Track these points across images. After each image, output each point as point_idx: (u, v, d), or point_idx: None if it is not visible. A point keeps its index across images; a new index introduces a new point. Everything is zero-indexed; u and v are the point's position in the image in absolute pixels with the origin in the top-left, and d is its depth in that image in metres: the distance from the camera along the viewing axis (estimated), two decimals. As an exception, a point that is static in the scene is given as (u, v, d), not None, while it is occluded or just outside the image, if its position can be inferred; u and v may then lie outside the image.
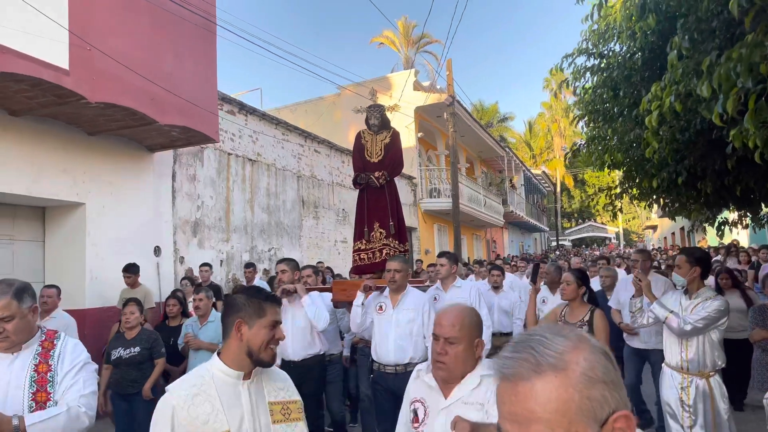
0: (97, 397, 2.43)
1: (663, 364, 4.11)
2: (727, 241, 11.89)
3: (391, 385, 4.36)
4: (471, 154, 25.67)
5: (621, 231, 47.21)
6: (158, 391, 5.06)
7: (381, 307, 4.69)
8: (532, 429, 0.91)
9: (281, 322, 1.99)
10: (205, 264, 8.19)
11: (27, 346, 2.35)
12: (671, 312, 3.83)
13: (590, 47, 4.34)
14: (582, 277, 4.24)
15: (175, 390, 1.89)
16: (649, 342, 5.13)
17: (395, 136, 6.04)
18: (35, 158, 6.55)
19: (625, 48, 3.90)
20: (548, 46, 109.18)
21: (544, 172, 43.20)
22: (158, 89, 6.82)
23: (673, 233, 28.21)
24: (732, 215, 5.38)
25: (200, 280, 7.82)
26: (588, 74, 4.44)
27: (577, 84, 4.65)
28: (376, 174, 5.78)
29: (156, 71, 6.84)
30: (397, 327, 4.46)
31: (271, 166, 11.27)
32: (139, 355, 5.10)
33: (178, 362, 5.76)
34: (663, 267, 9.70)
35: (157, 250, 8.22)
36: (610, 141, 4.34)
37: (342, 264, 12.27)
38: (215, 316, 5.50)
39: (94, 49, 6.03)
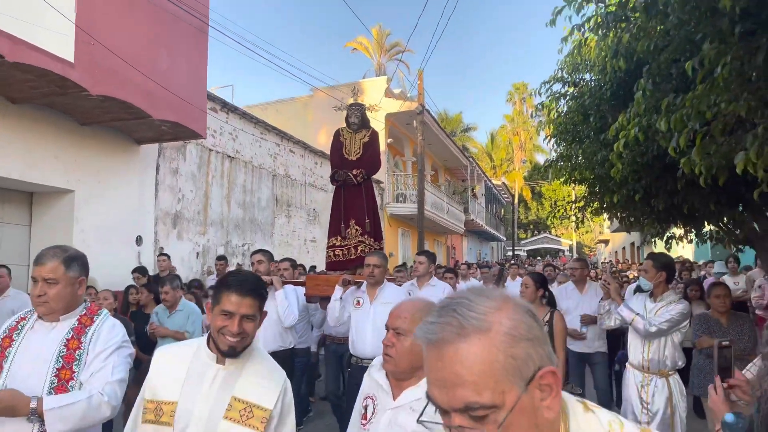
0: (125, 385, 2.29)
1: (627, 364, 4.30)
2: (674, 255, 12.80)
3: None
4: (436, 162, 26.34)
5: (575, 243, 48.68)
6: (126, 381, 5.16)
7: (359, 301, 4.74)
8: (458, 393, 0.89)
9: (234, 313, 1.87)
10: (162, 254, 8.31)
11: (66, 318, 2.28)
12: (637, 314, 4.02)
13: (565, 76, 4.94)
14: (540, 281, 4.54)
15: (169, 347, 2.04)
16: (591, 346, 5.35)
17: (374, 135, 6.13)
18: (30, 145, 6.76)
19: (596, 79, 4.47)
20: (513, 60, 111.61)
21: (504, 183, 44.27)
22: (153, 85, 7.11)
23: (624, 248, 29.47)
24: (679, 231, 6.04)
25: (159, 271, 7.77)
26: (562, 99, 5.02)
27: (551, 107, 5.23)
28: (354, 172, 5.85)
29: (152, 67, 7.13)
30: (374, 321, 4.48)
31: (249, 164, 11.58)
32: None
33: (152, 350, 5.65)
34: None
35: (139, 240, 8.46)
36: (579, 159, 4.91)
37: (311, 262, 12.64)
38: (184, 305, 5.53)
39: (97, 43, 6.31)
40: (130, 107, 6.92)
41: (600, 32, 3.84)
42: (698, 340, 4.48)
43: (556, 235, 50.70)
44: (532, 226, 55.63)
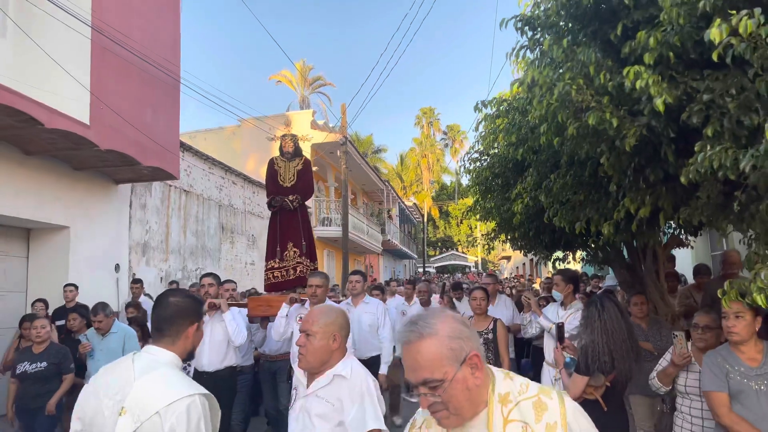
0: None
1: (544, 362, 5.01)
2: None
3: None
4: (355, 186, 28.21)
5: (479, 260, 51.54)
6: (62, 407, 5.21)
7: (302, 318, 5.15)
8: (419, 373, 1.43)
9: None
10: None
11: None
12: (554, 324, 4.60)
13: (480, 148, 6.96)
14: (487, 297, 6.22)
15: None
16: None
17: (307, 163, 6.41)
18: (38, 189, 7.90)
19: (502, 154, 6.45)
20: (420, 82, 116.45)
21: (414, 203, 46.61)
22: (142, 137, 8.47)
23: (524, 263, 32.55)
24: (560, 254, 8.18)
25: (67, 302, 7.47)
26: (479, 162, 7.02)
27: (471, 166, 7.22)
28: (291, 197, 6.12)
29: (141, 122, 8.48)
30: None
31: (200, 197, 12.91)
32: (46, 370, 5.05)
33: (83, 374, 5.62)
34: (511, 291, 12.67)
35: (117, 267, 9.65)
36: (490, 205, 6.89)
37: (250, 284, 13.99)
38: (118, 326, 5.67)
39: (105, 106, 7.64)
40: (126, 157, 8.23)
41: (505, 123, 5.85)
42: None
43: (463, 252, 53.49)
44: (440, 244, 58.38)
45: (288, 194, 6.13)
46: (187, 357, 2.17)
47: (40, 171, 7.92)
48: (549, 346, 4.90)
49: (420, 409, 1.62)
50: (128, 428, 1.87)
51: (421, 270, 43.77)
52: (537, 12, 3.71)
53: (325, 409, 2.42)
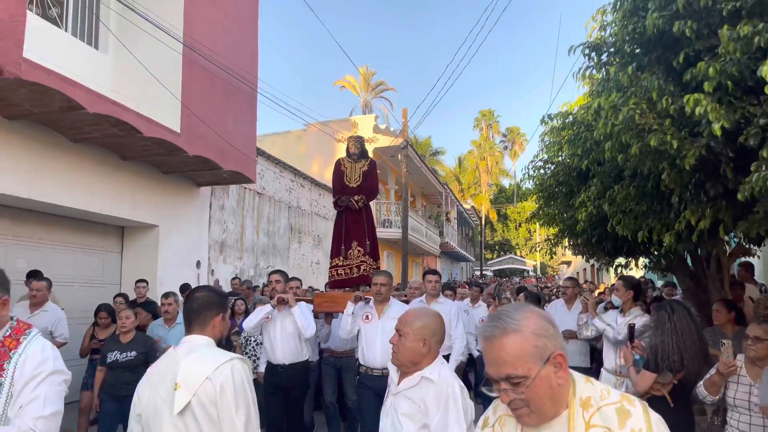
0: (61, 417, 2.05)
1: (602, 369, 5.00)
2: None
3: (376, 386, 4.65)
4: (414, 188, 28.60)
5: (538, 264, 50.86)
6: None
7: (368, 316, 5.01)
8: (502, 369, 1.42)
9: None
10: (141, 280, 7.99)
11: None
12: (608, 325, 4.89)
13: (544, 156, 7.24)
14: (535, 299, 6.40)
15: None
16: (572, 360, 5.19)
17: (372, 164, 6.46)
18: (133, 191, 8.68)
19: (566, 162, 6.70)
20: (479, 84, 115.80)
21: (472, 206, 46.55)
22: (224, 143, 9.14)
23: (585, 269, 32.10)
24: (623, 260, 8.33)
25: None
26: (543, 170, 7.31)
27: (534, 173, 7.52)
28: (356, 197, 6.19)
29: (223, 129, 9.15)
30: (383, 334, 4.66)
31: (271, 198, 13.62)
32: (135, 359, 5.25)
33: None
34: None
35: (198, 264, 10.40)
36: (554, 212, 7.15)
37: (315, 282, 14.62)
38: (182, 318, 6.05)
39: (193, 115, 8.32)
40: (209, 162, 8.92)
41: (569, 135, 6.13)
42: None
43: (521, 256, 52.95)
44: (497, 247, 58.01)
45: (353, 194, 6.22)
46: (218, 344, 2.39)
47: (134, 175, 8.69)
48: (609, 352, 4.95)
49: (492, 406, 1.68)
50: (185, 398, 2.13)
51: (477, 273, 43.63)
52: (602, 34, 4.02)
53: (410, 409, 2.51)
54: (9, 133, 6.58)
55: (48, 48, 6.59)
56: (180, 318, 5.72)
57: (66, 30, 7.80)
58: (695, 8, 2.95)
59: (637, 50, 3.48)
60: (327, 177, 19.67)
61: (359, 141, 6.51)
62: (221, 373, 2.15)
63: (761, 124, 2.88)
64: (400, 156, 20.08)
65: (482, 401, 6.37)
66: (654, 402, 2.98)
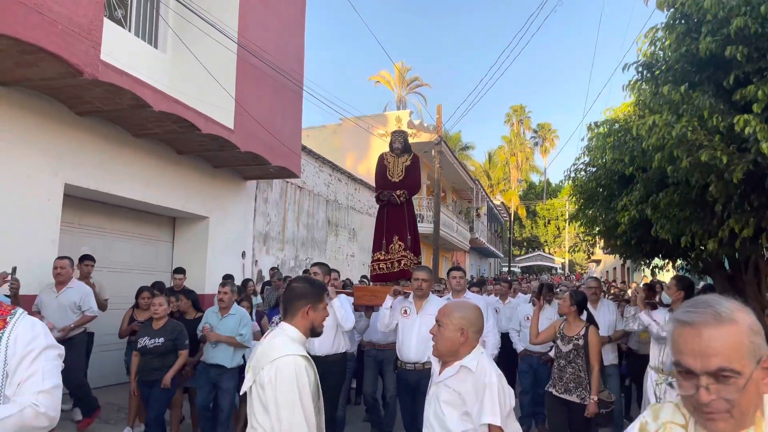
0: (61, 390, 2.01)
1: (648, 366, 5.10)
2: (662, 279, 15.27)
3: (410, 380, 4.80)
4: (446, 184, 28.78)
5: (567, 262, 50.53)
6: (177, 382, 5.56)
7: (406, 311, 5.08)
8: (713, 360, 1.23)
9: None
10: (178, 271, 8.02)
11: None
12: (654, 321, 4.97)
13: (586, 159, 7.45)
14: (579, 300, 6.66)
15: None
16: (605, 359, 5.39)
17: (415, 159, 6.47)
18: (186, 183, 9.11)
19: (609, 165, 6.92)
20: (511, 80, 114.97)
21: (502, 202, 46.44)
22: (272, 139, 9.52)
23: (615, 268, 31.91)
24: (661, 262, 8.49)
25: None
26: (583, 172, 7.53)
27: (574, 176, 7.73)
28: (398, 192, 6.18)
29: (272, 126, 9.53)
30: (419, 330, 4.78)
31: (311, 192, 14.01)
32: (163, 345, 5.33)
33: (193, 353, 5.87)
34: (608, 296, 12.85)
35: (243, 254, 10.84)
36: (596, 214, 7.36)
37: (350, 274, 14.98)
38: (236, 309, 5.79)
39: (246, 112, 8.71)
40: (258, 157, 9.31)
41: (614, 140, 6.35)
42: None
43: (550, 253, 52.66)
44: (525, 243, 57.80)
45: (396, 189, 6.21)
46: (312, 333, 2.52)
47: (188, 168, 9.12)
48: (654, 350, 5.05)
49: (651, 411, 1.50)
50: (249, 381, 2.38)
51: (506, 269, 43.53)
52: (653, 49, 4.25)
53: (450, 397, 2.58)
54: (79, 128, 7.04)
55: (116, 48, 7.01)
56: (234, 309, 5.78)
57: (130, 30, 8.25)
58: (746, 34, 3.17)
59: (689, 68, 3.70)
60: (361, 171, 20.12)
61: (402, 135, 6.53)
62: (275, 366, 2.27)
63: (806, 143, 3.09)
64: (433, 151, 20.31)
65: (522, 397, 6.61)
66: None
